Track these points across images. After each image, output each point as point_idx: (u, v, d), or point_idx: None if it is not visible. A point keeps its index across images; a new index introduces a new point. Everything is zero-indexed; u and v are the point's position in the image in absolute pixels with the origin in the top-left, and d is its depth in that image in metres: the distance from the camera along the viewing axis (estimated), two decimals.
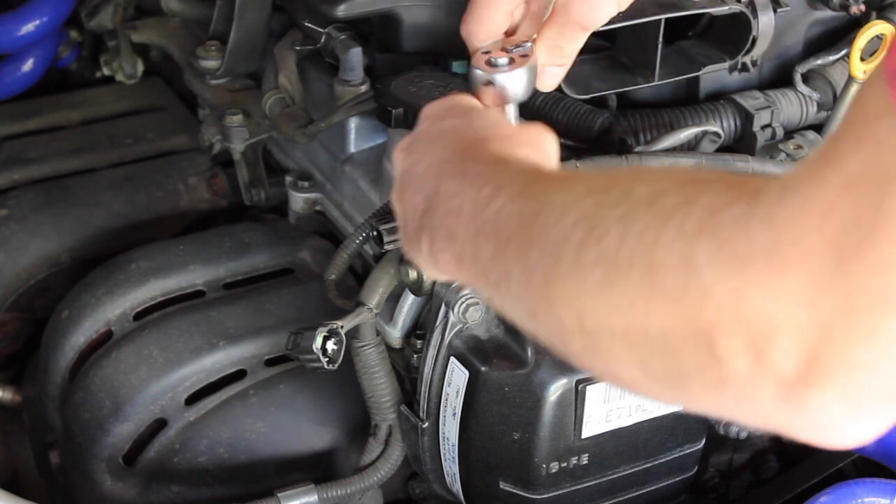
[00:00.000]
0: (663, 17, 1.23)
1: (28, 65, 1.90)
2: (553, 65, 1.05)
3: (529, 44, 1.02)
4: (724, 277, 0.61)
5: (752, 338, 0.60)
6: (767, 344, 0.60)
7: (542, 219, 0.73)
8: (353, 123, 1.42)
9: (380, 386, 1.28)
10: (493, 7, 1.02)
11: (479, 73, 1.01)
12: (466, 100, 1.00)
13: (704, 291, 0.62)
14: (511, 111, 1.03)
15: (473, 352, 1.21)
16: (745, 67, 1.34)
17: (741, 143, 1.35)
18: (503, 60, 1.00)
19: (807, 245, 0.59)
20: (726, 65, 1.32)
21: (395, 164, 0.96)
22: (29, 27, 1.83)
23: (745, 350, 0.61)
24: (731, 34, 1.31)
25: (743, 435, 1.39)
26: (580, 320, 0.70)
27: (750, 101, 1.34)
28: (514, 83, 1.01)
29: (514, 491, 1.24)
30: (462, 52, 1.05)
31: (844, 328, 0.58)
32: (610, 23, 1.17)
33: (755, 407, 0.63)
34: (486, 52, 1.02)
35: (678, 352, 0.64)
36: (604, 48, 1.32)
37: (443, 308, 1.20)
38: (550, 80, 1.06)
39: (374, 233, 1.19)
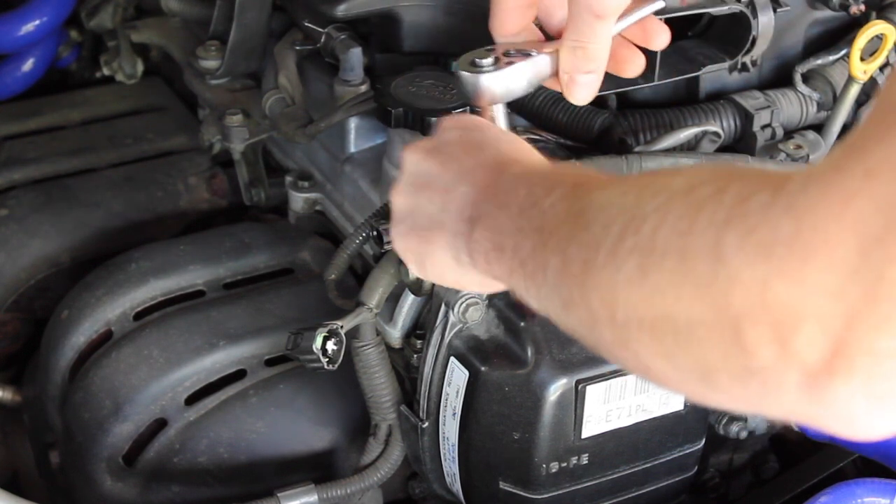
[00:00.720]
0: (663, 16, 1.23)
1: (28, 65, 1.90)
2: (581, 71, 1.01)
3: (535, 51, 1.02)
4: (750, 266, 0.61)
5: (776, 326, 0.60)
6: (792, 333, 0.60)
7: (587, 215, 0.75)
8: (353, 123, 1.42)
9: (380, 386, 1.28)
10: (505, 2, 1.04)
11: (460, 71, 1.02)
12: (482, 122, 1.01)
13: (732, 279, 0.62)
14: (498, 111, 1.03)
15: (473, 352, 1.21)
16: (745, 67, 1.34)
17: (741, 143, 1.34)
18: (488, 61, 1.01)
19: (829, 233, 0.58)
20: (726, 65, 1.32)
21: (408, 163, 0.97)
22: (29, 27, 1.84)
23: (771, 339, 0.61)
24: (731, 34, 1.31)
25: (743, 435, 1.39)
26: (611, 311, 0.71)
27: (750, 101, 1.34)
28: (496, 84, 1.01)
29: (514, 491, 1.24)
30: (461, 51, 1.06)
31: (868, 317, 0.57)
32: None
33: (780, 398, 0.63)
34: (490, 50, 1.03)
35: (704, 343, 0.65)
36: None
37: (443, 308, 1.20)
38: (583, 91, 1.02)
39: (374, 233, 1.19)
